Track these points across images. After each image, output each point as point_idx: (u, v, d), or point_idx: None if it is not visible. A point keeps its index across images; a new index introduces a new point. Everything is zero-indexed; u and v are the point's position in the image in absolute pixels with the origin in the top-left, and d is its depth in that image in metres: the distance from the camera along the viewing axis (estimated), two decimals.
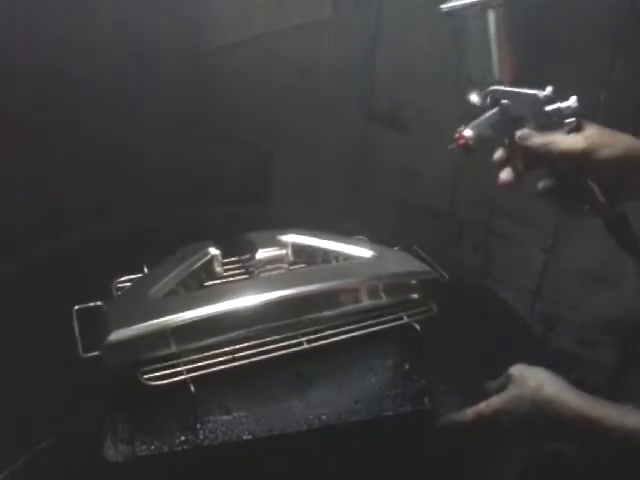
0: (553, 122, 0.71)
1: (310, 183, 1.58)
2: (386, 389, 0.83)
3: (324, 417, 0.77)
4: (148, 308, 0.80)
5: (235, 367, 0.79)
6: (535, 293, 1.45)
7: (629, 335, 1.32)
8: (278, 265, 0.95)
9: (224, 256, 0.96)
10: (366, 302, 0.91)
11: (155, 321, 0.77)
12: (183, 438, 0.73)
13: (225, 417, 0.76)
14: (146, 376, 0.75)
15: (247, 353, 0.81)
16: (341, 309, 0.89)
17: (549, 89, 0.72)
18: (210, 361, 0.79)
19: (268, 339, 0.83)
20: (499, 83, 0.77)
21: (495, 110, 0.76)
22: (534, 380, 0.71)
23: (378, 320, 0.90)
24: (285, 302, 0.84)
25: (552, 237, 1.38)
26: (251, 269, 0.95)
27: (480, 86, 0.78)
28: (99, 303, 0.84)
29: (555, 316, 1.43)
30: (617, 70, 1.17)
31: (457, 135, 0.77)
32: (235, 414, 0.77)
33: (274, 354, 0.82)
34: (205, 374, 0.77)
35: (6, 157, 1.07)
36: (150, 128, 1.30)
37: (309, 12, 1.57)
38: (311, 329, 0.86)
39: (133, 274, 0.92)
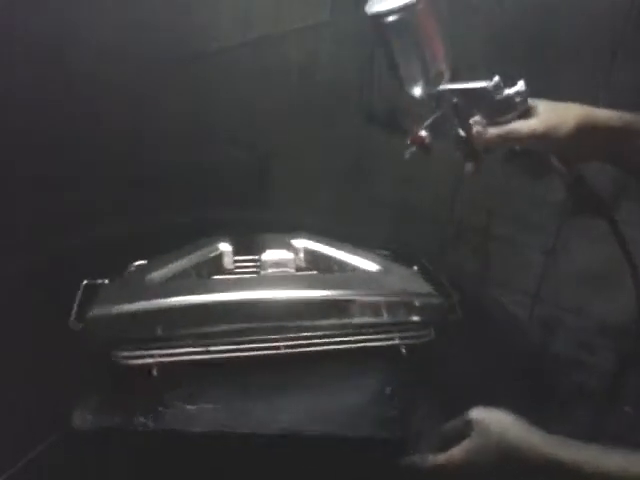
0: (504, 109, 0.71)
1: (309, 186, 1.58)
2: (359, 409, 0.82)
3: (283, 425, 0.77)
4: (139, 291, 0.83)
5: (212, 361, 0.80)
6: (535, 297, 1.45)
7: (629, 339, 1.32)
8: (285, 268, 0.94)
9: (239, 253, 0.97)
10: (358, 317, 0.88)
11: (137, 303, 0.79)
12: (143, 419, 0.75)
13: (189, 407, 0.78)
14: (120, 354, 0.79)
15: (222, 348, 0.82)
16: (331, 320, 0.87)
17: (496, 78, 0.72)
18: (183, 350, 0.81)
19: (247, 338, 0.83)
20: (442, 81, 0.76)
21: (444, 109, 0.76)
22: (497, 426, 0.68)
23: (368, 337, 0.88)
24: (272, 304, 0.84)
25: (552, 240, 1.38)
26: (258, 269, 0.96)
27: (423, 85, 0.77)
28: (106, 281, 0.87)
29: (555, 320, 1.43)
30: (616, 70, 1.18)
31: (413, 138, 0.79)
32: (200, 406, 0.78)
33: (249, 353, 0.82)
34: (179, 363, 0.79)
35: (6, 157, 1.07)
36: (150, 129, 1.30)
37: (308, 14, 1.57)
38: (295, 335, 0.85)
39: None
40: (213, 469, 0.77)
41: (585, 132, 0.69)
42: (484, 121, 0.72)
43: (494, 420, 0.69)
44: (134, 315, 0.79)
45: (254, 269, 0.96)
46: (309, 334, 0.86)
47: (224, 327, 0.83)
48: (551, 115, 0.70)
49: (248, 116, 1.46)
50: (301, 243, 0.98)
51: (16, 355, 0.83)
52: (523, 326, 1.24)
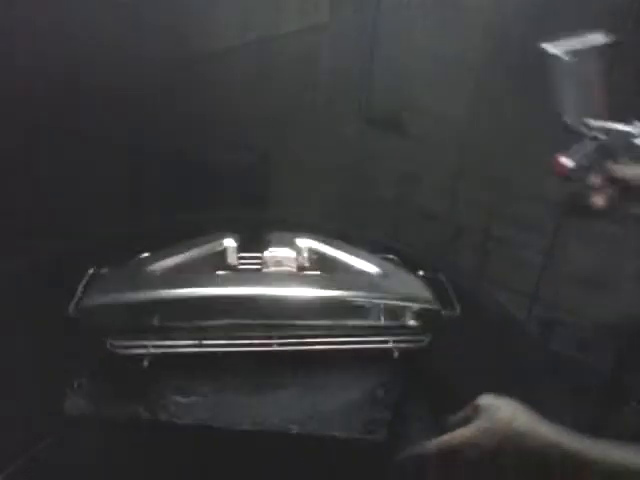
0: None
1: (309, 186, 1.58)
2: (349, 410, 0.81)
3: (274, 422, 0.78)
4: (137, 281, 0.83)
5: (204, 355, 0.81)
6: (533, 297, 1.46)
7: (627, 339, 1.32)
8: (286, 266, 0.94)
9: (244, 250, 0.97)
10: (353, 318, 0.88)
11: (134, 294, 0.80)
12: (134, 408, 0.76)
13: (179, 399, 0.78)
14: (114, 343, 0.80)
15: (215, 342, 0.82)
16: (326, 320, 0.87)
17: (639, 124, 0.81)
18: (176, 342, 0.81)
19: (240, 334, 0.84)
20: (596, 117, 0.83)
21: (592, 142, 0.82)
22: (505, 412, 0.68)
23: (361, 339, 0.88)
24: (267, 302, 0.84)
25: (550, 241, 1.39)
26: (261, 266, 0.95)
27: (579, 118, 0.84)
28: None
29: (553, 320, 1.43)
30: (616, 72, 1.18)
31: (557, 162, 0.81)
32: (191, 398, 0.79)
33: (241, 349, 0.83)
34: (171, 355, 0.80)
35: (6, 157, 1.07)
36: (149, 131, 1.30)
37: (307, 16, 1.58)
38: (289, 333, 0.86)
39: None
40: (201, 462, 0.77)
41: None
42: (625, 164, 0.79)
43: (503, 406, 0.69)
44: (129, 305, 0.80)
45: (257, 266, 0.96)
46: (303, 333, 0.87)
47: (219, 322, 0.83)
48: None
49: (248, 116, 1.46)
50: (306, 243, 0.97)
51: (16, 355, 0.83)
52: (521, 326, 1.24)
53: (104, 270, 0.89)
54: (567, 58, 0.82)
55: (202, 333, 0.83)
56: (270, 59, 1.48)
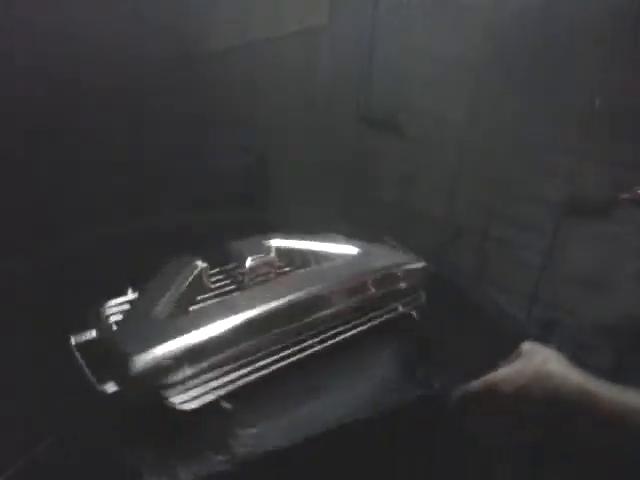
0: None
1: (308, 187, 1.58)
2: (395, 380, 0.86)
3: (342, 417, 0.78)
4: (159, 331, 0.76)
5: (257, 378, 0.79)
6: (532, 297, 1.46)
7: (627, 340, 1.33)
8: (266, 272, 0.94)
9: (214, 266, 0.94)
10: (361, 298, 0.91)
11: (174, 343, 0.74)
12: (220, 457, 0.72)
13: (251, 430, 0.76)
14: (175, 401, 0.73)
15: (265, 362, 0.81)
16: (340, 308, 0.89)
17: None
18: (234, 376, 0.78)
19: (278, 347, 0.83)
20: None
21: None
22: (541, 355, 0.74)
23: (376, 313, 0.92)
24: (289, 308, 0.83)
25: (549, 241, 1.39)
26: (239, 279, 0.93)
27: None
28: (94, 333, 0.80)
29: (552, 320, 1.43)
30: (613, 75, 1.18)
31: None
32: (260, 426, 0.76)
33: (290, 360, 0.82)
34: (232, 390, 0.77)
35: (6, 157, 1.07)
36: (148, 131, 1.30)
37: (306, 18, 1.58)
38: (314, 332, 0.86)
39: (119, 291, 0.88)
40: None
41: None
42: None
43: (540, 350, 0.75)
44: (175, 357, 0.73)
45: (239, 279, 0.93)
46: (332, 324, 0.88)
47: (260, 340, 0.81)
48: None
49: (248, 117, 1.47)
50: (274, 242, 0.97)
51: (16, 355, 0.83)
52: (520, 326, 1.25)
53: (88, 334, 0.80)
54: None
55: (248, 358, 0.80)
56: (269, 60, 1.48)
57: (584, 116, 1.13)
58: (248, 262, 0.92)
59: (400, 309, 0.95)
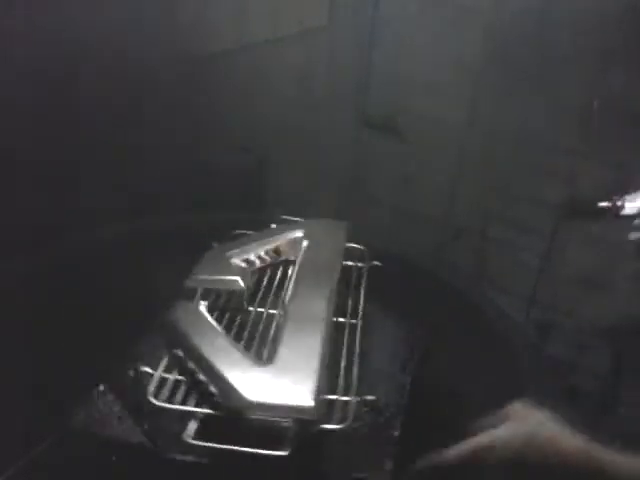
0: None
1: (306, 188, 1.59)
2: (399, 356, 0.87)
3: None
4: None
5: None
6: (530, 299, 1.46)
7: (624, 341, 1.33)
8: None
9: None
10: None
11: None
12: None
13: None
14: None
15: None
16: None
17: None
18: None
19: None
20: None
21: None
22: (534, 418, 0.70)
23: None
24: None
25: (548, 243, 1.39)
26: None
27: None
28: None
29: (550, 322, 1.44)
30: (611, 77, 1.19)
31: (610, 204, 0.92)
32: None
33: None
34: None
35: (6, 157, 1.07)
36: (148, 132, 1.30)
37: (306, 19, 1.58)
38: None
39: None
40: None
41: None
42: None
43: (533, 412, 0.71)
44: None
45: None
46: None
47: None
48: None
49: (247, 118, 1.47)
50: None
51: (16, 355, 0.83)
52: (519, 328, 1.25)
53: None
54: None
55: None
56: (269, 61, 1.48)
57: (584, 117, 1.13)
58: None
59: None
